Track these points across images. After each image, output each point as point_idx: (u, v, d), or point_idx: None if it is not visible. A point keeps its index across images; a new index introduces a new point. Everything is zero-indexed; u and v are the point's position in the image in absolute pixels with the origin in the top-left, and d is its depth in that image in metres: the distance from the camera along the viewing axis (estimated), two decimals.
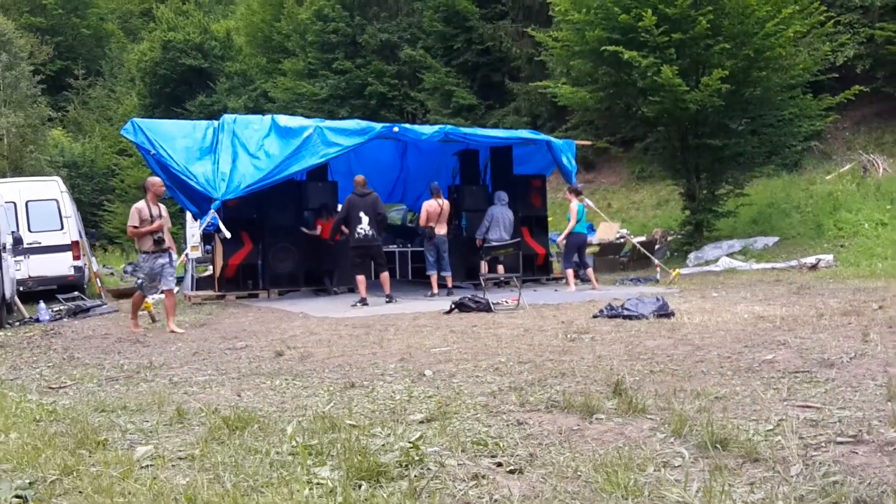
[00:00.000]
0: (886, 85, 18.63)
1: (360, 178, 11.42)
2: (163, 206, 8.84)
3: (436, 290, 12.02)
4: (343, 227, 11.28)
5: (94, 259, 16.76)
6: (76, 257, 14.30)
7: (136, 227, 8.55)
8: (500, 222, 12.93)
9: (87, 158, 37.72)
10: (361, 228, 10.97)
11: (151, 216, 8.57)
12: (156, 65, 38.99)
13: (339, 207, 14.58)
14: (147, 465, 3.13)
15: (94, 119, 43.15)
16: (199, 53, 39.16)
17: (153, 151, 11.68)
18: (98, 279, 15.37)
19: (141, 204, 8.67)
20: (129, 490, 2.76)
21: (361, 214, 10.97)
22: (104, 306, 11.69)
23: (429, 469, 2.94)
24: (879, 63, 18.36)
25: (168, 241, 8.78)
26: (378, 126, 12.53)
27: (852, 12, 18.88)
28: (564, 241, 12.54)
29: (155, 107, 37.99)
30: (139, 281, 8.88)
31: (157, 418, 3.99)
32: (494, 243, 12.25)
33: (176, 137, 11.98)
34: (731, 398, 3.92)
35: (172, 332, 8.27)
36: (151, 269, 8.62)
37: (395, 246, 15.75)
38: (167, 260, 8.69)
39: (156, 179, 9.11)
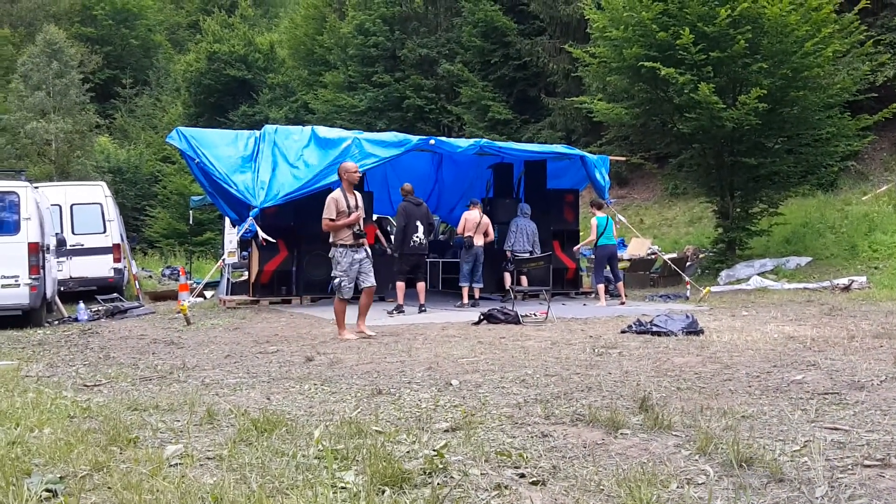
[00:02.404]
0: None
1: (408, 185, 11.55)
2: (359, 196, 8.04)
3: (466, 301, 12.08)
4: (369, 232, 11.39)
5: (133, 262, 17.08)
6: (117, 260, 14.60)
7: (332, 219, 7.75)
8: (523, 233, 13.03)
9: (132, 164, 38.58)
10: (417, 237, 11.10)
11: (349, 207, 7.78)
12: (201, 75, 39.86)
13: (375, 217, 14.76)
14: (176, 464, 3.20)
15: (139, 127, 44.13)
16: (243, 65, 39.98)
17: (197, 159, 11.93)
18: (137, 282, 15.66)
19: (337, 193, 7.85)
20: (158, 487, 2.83)
21: (418, 223, 11.11)
22: (141, 308, 11.92)
23: (452, 477, 2.98)
24: None
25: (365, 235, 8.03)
26: (415, 139, 12.65)
27: (893, 32, 18.62)
28: (579, 251, 12.61)
29: (199, 116, 38.78)
30: (336, 280, 7.86)
31: (188, 418, 4.08)
32: (519, 255, 12.38)
33: (219, 146, 12.20)
34: (759, 417, 3.90)
35: (361, 332, 7.74)
36: (350, 266, 7.78)
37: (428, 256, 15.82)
38: (365, 255, 7.92)
39: (350, 164, 8.20)
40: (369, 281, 7.88)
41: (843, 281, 13.01)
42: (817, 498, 2.67)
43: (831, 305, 10.38)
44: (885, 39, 18.17)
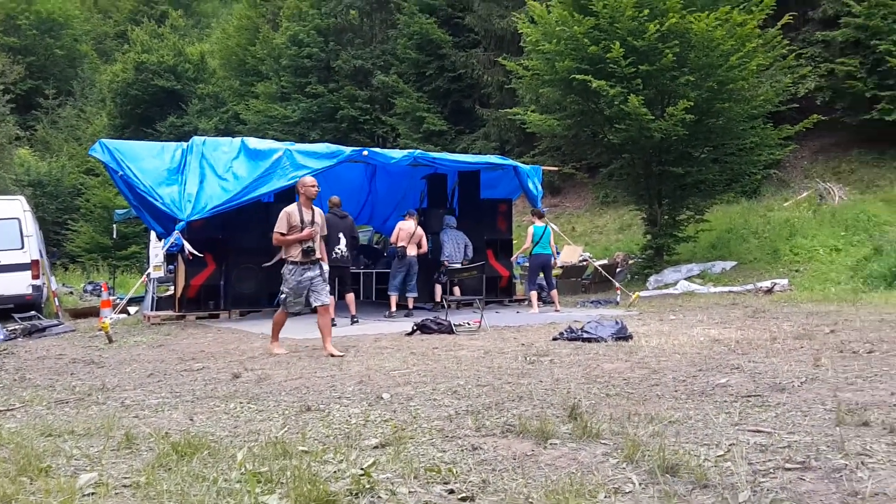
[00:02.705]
0: (844, 116, 19.10)
1: (335, 198, 11.45)
2: (318, 212, 7.80)
3: (393, 310, 12.01)
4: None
5: (53, 278, 16.47)
6: (35, 276, 14.02)
7: (283, 234, 7.53)
8: (454, 243, 13.09)
9: (53, 177, 37.27)
10: (339, 249, 10.99)
11: (303, 222, 7.56)
12: (128, 85, 38.88)
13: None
14: (89, 493, 3.05)
15: (62, 138, 42.74)
16: (172, 75, 39.15)
17: (120, 172, 11.58)
18: (56, 298, 15.09)
19: (292, 208, 7.65)
20: None
21: (340, 235, 11.00)
22: (61, 326, 11.47)
23: (379, 497, 2.92)
24: (839, 95, 18.85)
25: (320, 252, 7.75)
26: (348, 150, 12.54)
27: (814, 46, 19.44)
28: (515, 259, 12.74)
29: (125, 127, 37.77)
30: (282, 296, 7.72)
31: (105, 443, 3.90)
32: (452, 265, 12.45)
33: (144, 158, 11.87)
34: (684, 422, 3.94)
35: (331, 355, 7.28)
36: (298, 284, 7.56)
37: (359, 266, 15.70)
38: (318, 272, 7.65)
39: (308, 179, 7.94)
40: (320, 300, 7.61)
41: (766, 284, 13.43)
42: (740, 503, 2.70)
43: (755, 308, 10.68)
44: (807, 53, 18.96)
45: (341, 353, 7.36)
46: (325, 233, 8.07)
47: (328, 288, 7.87)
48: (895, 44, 17.40)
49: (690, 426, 3.87)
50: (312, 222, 7.63)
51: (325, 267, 7.82)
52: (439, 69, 27.60)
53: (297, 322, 11.58)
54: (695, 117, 14.74)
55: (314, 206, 7.77)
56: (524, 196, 15.26)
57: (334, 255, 10.90)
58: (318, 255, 7.67)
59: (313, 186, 7.77)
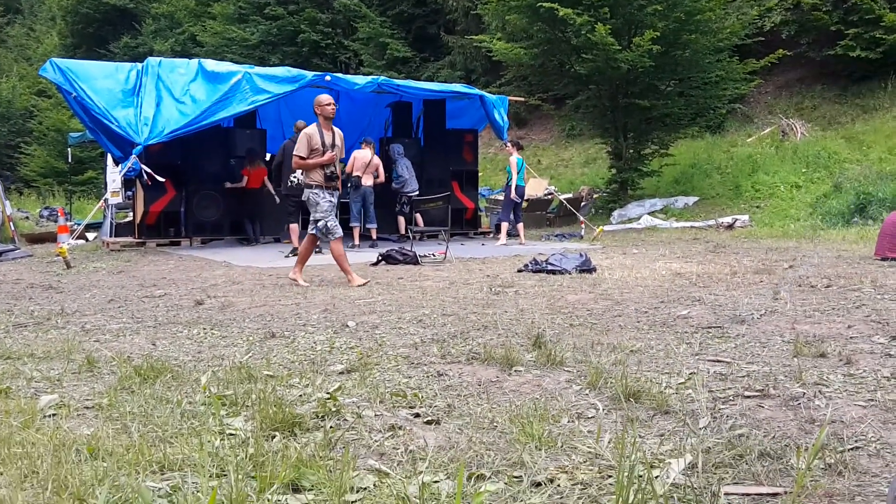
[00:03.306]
0: (810, 50, 19.13)
1: (301, 123, 11.15)
2: (339, 133, 7.35)
3: (357, 242, 11.94)
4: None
5: (8, 202, 16.03)
6: None
7: (303, 157, 7.09)
8: (408, 173, 12.94)
9: (4, 99, 35.88)
10: (294, 176, 10.76)
11: (324, 145, 7.12)
12: (78, 3, 37.28)
13: (269, 156, 14.29)
14: (51, 415, 3.01)
15: (11, 58, 41.03)
16: None
17: (73, 93, 11.17)
18: (12, 223, 14.72)
19: (311, 129, 7.20)
20: (30, 440, 2.65)
21: None
22: (17, 251, 11.24)
23: (345, 420, 2.92)
24: (804, 29, 18.82)
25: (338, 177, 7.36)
26: (310, 74, 12.24)
27: None
28: (516, 195, 12.46)
29: (77, 47, 36.36)
30: (321, 222, 7.19)
31: (66, 366, 3.85)
32: (409, 194, 12.35)
33: (97, 79, 11.46)
34: (646, 352, 4.00)
35: (294, 280, 7.17)
36: (331, 204, 7.20)
37: None
38: (336, 200, 7.35)
39: (324, 97, 7.35)
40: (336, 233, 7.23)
41: (728, 220, 13.63)
42: (701, 428, 2.75)
43: (716, 243, 10.84)
44: None
45: (306, 284, 7.15)
46: (344, 155, 7.63)
47: (336, 218, 7.48)
48: None
49: (652, 355, 3.93)
50: (333, 145, 7.20)
51: (339, 193, 7.52)
52: None
53: (259, 251, 11.49)
54: (661, 48, 14.64)
55: (334, 128, 7.33)
56: (490, 127, 15.14)
57: (291, 183, 10.70)
58: (337, 182, 7.30)
59: (329, 105, 7.25)
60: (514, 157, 12.45)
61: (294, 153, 7.23)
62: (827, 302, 5.40)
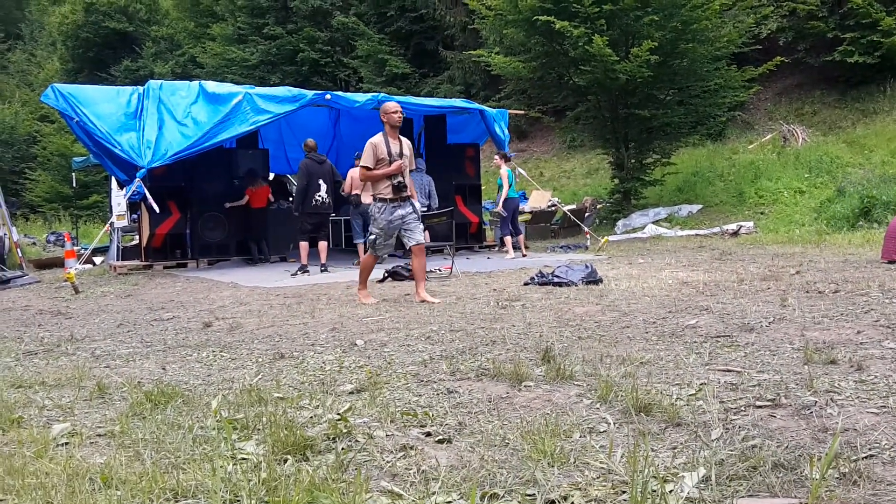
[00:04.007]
0: (807, 57, 19.19)
1: (311, 142, 11.20)
2: (406, 142, 7.05)
3: (362, 258, 11.94)
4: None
5: (14, 228, 16.10)
6: None
7: (369, 168, 6.77)
8: (418, 188, 12.93)
9: (7, 125, 36.12)
10: (320, 196, 10.81)
11: (390, 154, 6.80)
12: (78, 28, 37.54)
13: (272, 176, 14.35)
14: (63, 443, 3.02)
15: (13, 84, 41.33)
16: (124, 16, 37.86)
17: (76, 118, 11.25)
18: (19, 249, 14.79)
19: (377, 139, 6.88)
20: (43, 470, 2.65)
21: (321, 182, 10.80)
22: (25, 277, 11.29)
23: (357, 441, 2.92)
24: (801, 36, 18.89)
25: (410, 188, 7.00)
26: (310, 93, 12.30)
27: None
28: (503, 208, 12.53)
29: (78, 72, 36.60)
30: (370, 237, 7.04)
31: (77, 394, 3.86)
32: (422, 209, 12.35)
33: (99, 103, 11.54)
34: (656, 363, 3.99)
35: (424, 301, 6.77)
36: (389, 224, 6.86)
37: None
38: (409, 210, 6.94)
39: (391, 105, 7.14)
40: (415, 238, 6.94)
41: (732, 227, 13.62)
42: (713, 440, 2.74)
43: (721, 250, 10.83)
44: None
45: (436, 301, 6.82)
46: (414, 166, 7.32)
47: (422, 226, 7.25)
48: None
49: (662, 367, 3.92)
50: (401, 154, 6.88)
51: (417, 204, 7.16)
52: (400, 9, 27.07)
53: (266, 271, 11.51)
54: (659, 58, 14.70)
55: (401, 137, 7.05)
56: (491, 141, 15.18)
57: (315, 202, 10.77)
58: (408, 192, 6.96)
59: (396, 113, 6.94)
60: (505, 170, 12.50)
61: (360, 164, 6.98)
62: (835, 307, 5.39)
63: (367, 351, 4.74)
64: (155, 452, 2.82)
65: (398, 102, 13.23)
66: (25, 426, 3.30)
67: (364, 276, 7.18)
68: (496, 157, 13.18)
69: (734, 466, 2.43)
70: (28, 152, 34.73)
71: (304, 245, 10.91)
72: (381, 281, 9.00)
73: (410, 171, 7.08)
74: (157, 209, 11.24)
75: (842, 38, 17.75)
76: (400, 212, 6.91)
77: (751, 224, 13.79)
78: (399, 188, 6.82)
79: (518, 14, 15.32)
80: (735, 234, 13.21)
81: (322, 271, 10.66)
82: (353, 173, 12.16)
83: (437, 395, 3.58)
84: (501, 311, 6.12)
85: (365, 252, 7.21)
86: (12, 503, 2.39)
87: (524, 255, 12.29)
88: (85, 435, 3.12)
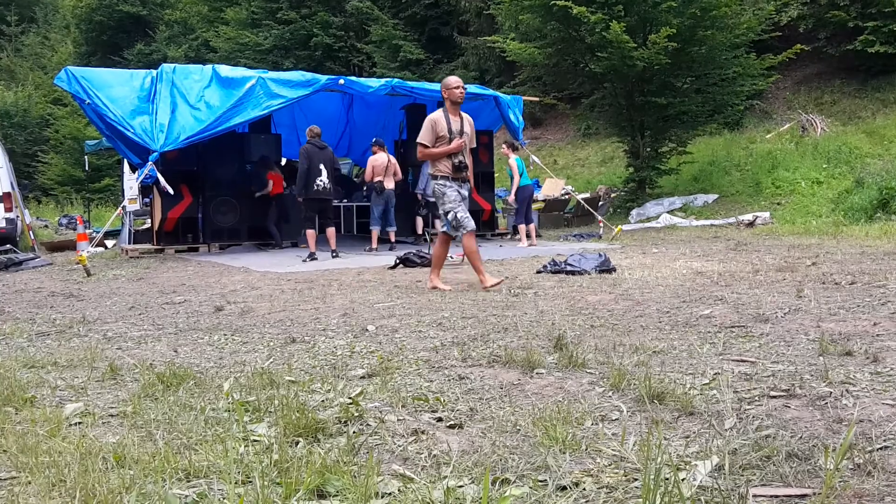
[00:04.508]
0: (827, 45, 18.97)
1: (315, 128, 11.19)
2: (467, 119, 6.71)
3: (375, 245, 11.97)
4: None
5: (27, 211, 16.22)
6: (8, 209, 13.79)
7: (427, 146, 6.49)
8: (427, 177, 12.92)
9: (20, 108, 36.30)
10: (320, 181, 10.79)
11: (450, 132, 6.49)
12: (92, 11, 37.65)
13: (284, 161, 14.35)
14: (76, 423, 3.03)
15: (27, 67, 41.51)
16: (138, 0, 37.79)
17: (89, 101, 11.27)
18: (31, 232, 14.89)
19: (437, 115, 6.57)
20: (56, 449, 2.66)
21: (321, 167, 10.79)
22: (38, 259, 11.35)
23: (368, 425, 2.91)
24: (821, 24, 18.67)
25: (469, 169, 6.65)
26: (323, 78, 12.29)
27: None
28: (515, 198, 12.53)
29: (91, 55, 36.73)
30: (450, 214, 6.59)
31: (89, 374, 3.87)
32: (430, 198, 12.35)
33: (112, 86, 11.57)
34: (669, 352, 3.97)
35: (435, 288, 6.59)
36: (460, 194, 6.57)
37: (340, 201, 15.60)
38: (465, 193, 6.67)
39: (452, 79, 6.75)
40: (469, 224, 6.56)
41: (748, 217, 13.53)
42: (727, 430, 2.72)
43: (737, 241, 10.76)
44: None
45: (448, 288, 6.60)
46: (474, 144, 6.99)
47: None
48: None
49: (675, 356, 3.89)
50: (461, 132, 6.58)
51: (470, 186, 6.85)
52: None
53: (278, 256, 11.53)
54: (677, 45, 14.57)
55: (462, 113, 6.73)
56: (505, 127, 15.12)
57: (316, 188, 10.76)
58: (467, 174, 6.62)
59: (458, 88, 6.59)
60: (513, 159, 12.44)
61: (418, 141, 6.63)
62: (852, 299, 5.34)
63: (379, 336, 4.73)
64: (167, 433, 2.83)
65: (413, 88, 13.33)
66: (38, 405, 3.32)
67: (476, 259, 6.70)
68: (504, 145, 13.12)
69: (747, 456, 2.41)
70: (41, 135, 34.91)
71: (311, 233, 10.90)
72: (393, 268, 9.00)
73: (471, 148, 6.81)
74: (170, 191, 11.28)
75: (863, 27, 17.53)
76: (463, 191, 6.64)
77: (767, 215, 13.69)
78: (459, 167, 6.53)
79: (534, 0, 15.22)
80: (751, 224, 13.12)
81: (333, 257, 10.67)
82: (373, 160, 12.17)
83: (449, 380, 3.57)
84: (513, 299, 6.10)
85: (461, 234, 6.62)
86: (26, 480, 2.40)
87: (534, 244, 12.25)
88: (97, 415, 3.13)
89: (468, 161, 6.64)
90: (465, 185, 6.66)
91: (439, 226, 12.94)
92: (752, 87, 17.40)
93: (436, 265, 6.85)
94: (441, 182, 6.57)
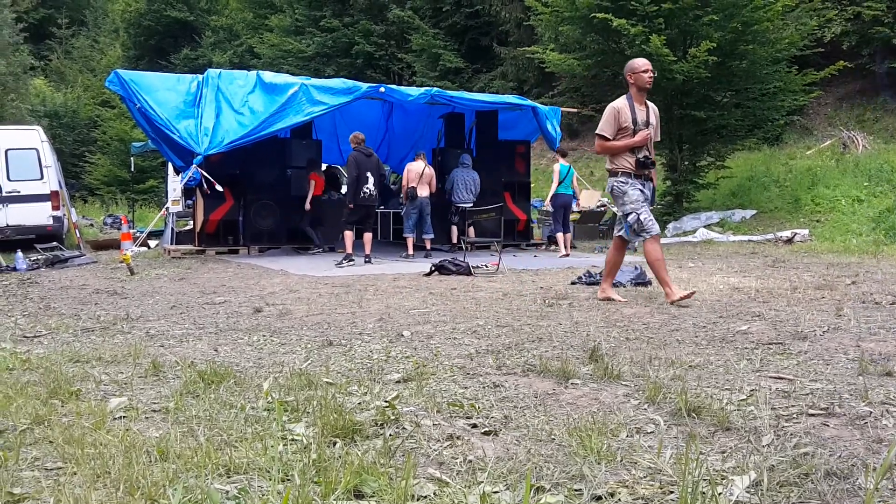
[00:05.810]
0: (871, 62, 18.67)
1: (359, 135, 11.29)
2: (654, 109, 6.06)
3: (411, 252, 12.03)
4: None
5: (73, 210, 16.58)
6: (55, 207, 14.13)
7: (607, 138, 5.84)
8: (462, 184, 12.95)
9: (69, 109, 37.12)
10: (367, 188, 10.93)
11: (635, 123, 5.84)
12: (140, 16, 38.48)
13: (324, 166, 14.53)
14: (120, 417, 3.11)
15: (76, 69, 42.43)
16: (185, 6, 38.68)
17: (137, 104, 11.54)
18: (77, 230, 15.22)
19: (620, 103, 5.93)
20: (101, 441, 2.74)
21: (368, 174, 10.93)
22: (83, 257, 11.62)
23: (404, 428, 2.95)
24: (865, 41, 18.38)
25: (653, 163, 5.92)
26: (364, 86, 12.42)
27: None
28: (550, 204, 12.57)
29: (139, 59, 37.52)
30: (631, 216, 5.96)
31: (132, 370, 3.97)
32: (460, 206, 12.43)
33: (159, 90, 11.82)
34: (705, 367, 3.95)
35: (608, 297, 6.12)
36: (642, 195, 5.92)
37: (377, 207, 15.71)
38: (649, 193, 6.04)
39: (639, 62, 6.05)
40: (653, 229, 5.91)
41: (787, 234, 13.35)
42: (764, 446, 2.71)
43: (775, 258, 10.63)
44: None
45: (623, 300, 6.13)
46: (658, 138, 6.30)
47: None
48: None
49: (711, 371, 3.87)
50: (647, 123, 5.94)
51: (654, 185, 6.18)
52: (456, 4, 27.07)
53: (315, 259, 11.65)
54: (717, 59, 14.45)
55: (648, 103, 6.07)
56: (542, 138, 15.12)
57: (363, 194, 10.89)
58: (652, 171, 5.97)
59: (647, 72, 5.90)
60: (558, 165, 12.47)
61: (597, 132, 6.00)
62: (892, 319, 5.26)
63: (414, 342, 4.78)
64: (208, 429, 2.89)
65: (451, 97, 13.40)
66: (83, 399, 3.41)
67: (661, 268, 6.01)
68: (556, 151, 13.19)
69: (785, 473, 2.40)
70: (88, 136, 35.64)
71: (349, 234, 11.01)
72: (428, 275, 9.05)
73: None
74: (219, 188, 11.47)
75: None
76: (646, 191, 6.00)
77: (806, 232, 13.49)
78: (644, 164, 5.89)
79: (575, 11, 15.22)
80: (789, 241, 12.94)
81: (366, 262, 10.75)
82: (410, 166, 12.26)
83: (484, 388, 3.59)
84: (548, 309, 6.11)
85: (645, 240, 5.96)
86: (72, 471, 2.48)
87: (566, 255, 12.20)
88: (141, 410, 3.21)
89: (653, 156, 5.99)
90: (648, 184, 6.04)
91: (471, 233, 13.01)
92: (792, 102, 17.17)
93: (608, 274, 6.27)
94: (622, 179, 5.93)
